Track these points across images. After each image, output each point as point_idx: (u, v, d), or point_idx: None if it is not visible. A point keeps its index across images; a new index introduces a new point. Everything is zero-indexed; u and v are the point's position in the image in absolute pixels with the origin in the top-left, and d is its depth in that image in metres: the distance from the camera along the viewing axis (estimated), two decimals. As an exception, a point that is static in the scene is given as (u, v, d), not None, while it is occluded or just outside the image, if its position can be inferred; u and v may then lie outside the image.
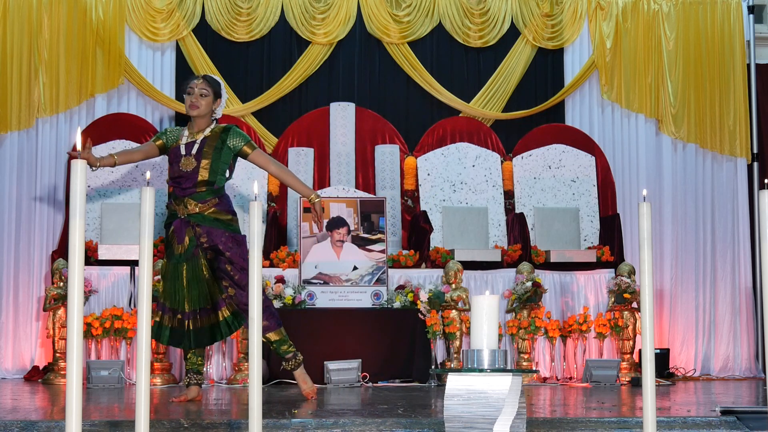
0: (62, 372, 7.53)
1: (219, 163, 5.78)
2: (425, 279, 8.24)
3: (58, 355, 7.64)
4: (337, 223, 8.17)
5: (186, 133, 5.85)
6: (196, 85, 5.79)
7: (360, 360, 7.46)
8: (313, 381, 7.19)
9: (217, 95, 5.85)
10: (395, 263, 8.34)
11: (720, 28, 9.64)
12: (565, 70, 9.68)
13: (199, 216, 5.72)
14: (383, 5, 9.38)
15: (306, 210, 8.13)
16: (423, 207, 8.87)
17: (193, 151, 5.76)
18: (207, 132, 5.82)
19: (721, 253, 9.52)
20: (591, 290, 8.46)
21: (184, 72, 9.17)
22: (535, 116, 9.54)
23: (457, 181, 9.04)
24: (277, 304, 7.71)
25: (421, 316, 7.81)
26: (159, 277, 6.05)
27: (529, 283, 7.99)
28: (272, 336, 5.90)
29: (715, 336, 9.38)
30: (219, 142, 5.80)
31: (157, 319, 5.69)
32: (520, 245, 8.58)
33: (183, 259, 5.69)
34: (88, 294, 7.70)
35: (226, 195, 5.86)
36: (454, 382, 3.13)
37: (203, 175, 5.73)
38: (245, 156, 5.89)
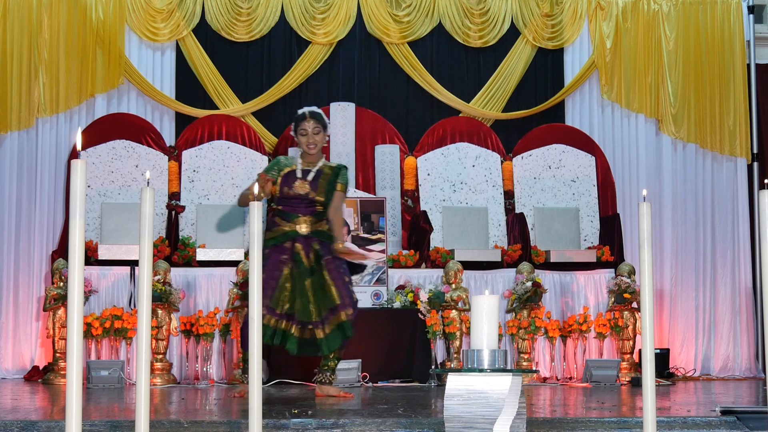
0: (62, 372, 7.53)
1: (330, 192, 6.20)
2: (425, 279, 8.24)
3: (58, 355, 7.64)
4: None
5: (299, 161, 6.25)
6: (309, 126, 6.21)
7: (360, 360, 7.46)
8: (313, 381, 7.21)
9: (326, 127, 6.28)
10: (395, 263, 8.34)
11: (720, 28, 9.64)
12: (565, 70, 9.69)
13: (317, 232, 6.14)
14: (383, 5, 9.38)
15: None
16: (423, 207, 8.87)
17: (309, 178, 6.18)
18: (320, 164, 6.26)
19: (721, 253, 9.52)
20: (591, 290, 8.46)
21: (184, 72, 9.18)
22: (535, 116, 9.54)
23: (457, 181, 9.04)
24: (277, 304, 7.70)
25: (421, 316, 7.81)
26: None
27: (529, 283, 7.99)
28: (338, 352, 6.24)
29: (715, 336, 9.38)
30: (332, 177, 6.23)
31: (275, 326, 5.99)
32: (520, 245, 8.58)
33: (308, 273, 6.07)
34: (88, 294, 7.70)
35: None
36: (454, 382, 3.13)
37: (320, 197, 6.15)
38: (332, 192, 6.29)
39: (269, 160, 8.90)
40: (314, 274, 6.09)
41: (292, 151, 8.48)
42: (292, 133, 6.36)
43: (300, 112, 6.34)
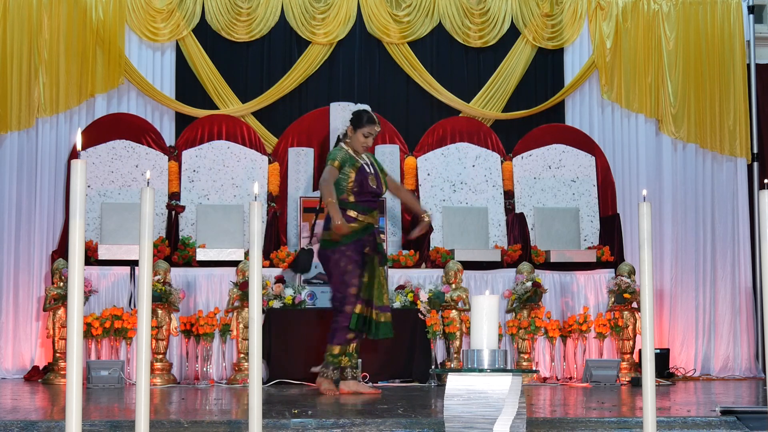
0: (62, 372, 7.53)
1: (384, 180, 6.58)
2: (425, 279, 8.24)
3: (58, 355, 7.64)
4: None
5: (353, 153, 6.47)
6: (375, 132, 6.49)
7: (360, 360, 7.44)
8: (314, 382, 7.21)
9: None
10: (395, 263, 8.34)
11: (720, 28, 9.64)
12: (565, 70, 9.69)
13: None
14: (383, 5, 9.38)
15: (306, 210, 8.14)
16: (423, 207, 8.86)
17: (373, 172, 6.50)
18: (368, 158, 6.54)
19: (721, 253, 9.52)
20: (591, 290, 8.46)
21: (184, 72, 9.18)
22: (535, 116, 9.54)
23: (457, 181, 9.04)
24: (277, 304, 7.71)
25: (421, 316, 7.81)
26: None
27: (529, 283, 7.99)
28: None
29: (715, 336, 9.38)
30: (379, 166, 6.58)
31: (364, 313, 6.38)
32: (520, 245, 8.58)
33: (381, 263, 6.42)
34: (88, 294, 7.70)
35: None
36: (454, 382, 3.13)
37: (384, 188, 6.59)
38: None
39: (269, 161, 8.90)
40: (382, 264, 6.43)
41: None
42: (350, 124, 6.46)
43: (370, 113, 6.56)
